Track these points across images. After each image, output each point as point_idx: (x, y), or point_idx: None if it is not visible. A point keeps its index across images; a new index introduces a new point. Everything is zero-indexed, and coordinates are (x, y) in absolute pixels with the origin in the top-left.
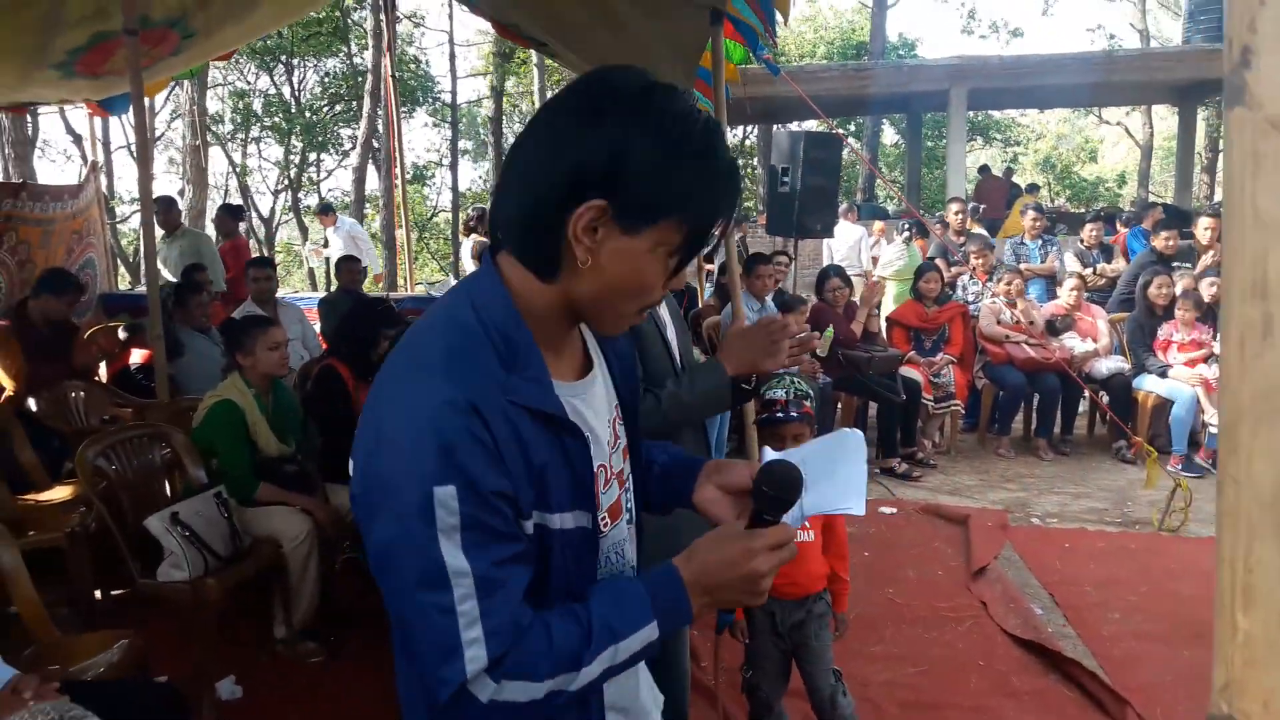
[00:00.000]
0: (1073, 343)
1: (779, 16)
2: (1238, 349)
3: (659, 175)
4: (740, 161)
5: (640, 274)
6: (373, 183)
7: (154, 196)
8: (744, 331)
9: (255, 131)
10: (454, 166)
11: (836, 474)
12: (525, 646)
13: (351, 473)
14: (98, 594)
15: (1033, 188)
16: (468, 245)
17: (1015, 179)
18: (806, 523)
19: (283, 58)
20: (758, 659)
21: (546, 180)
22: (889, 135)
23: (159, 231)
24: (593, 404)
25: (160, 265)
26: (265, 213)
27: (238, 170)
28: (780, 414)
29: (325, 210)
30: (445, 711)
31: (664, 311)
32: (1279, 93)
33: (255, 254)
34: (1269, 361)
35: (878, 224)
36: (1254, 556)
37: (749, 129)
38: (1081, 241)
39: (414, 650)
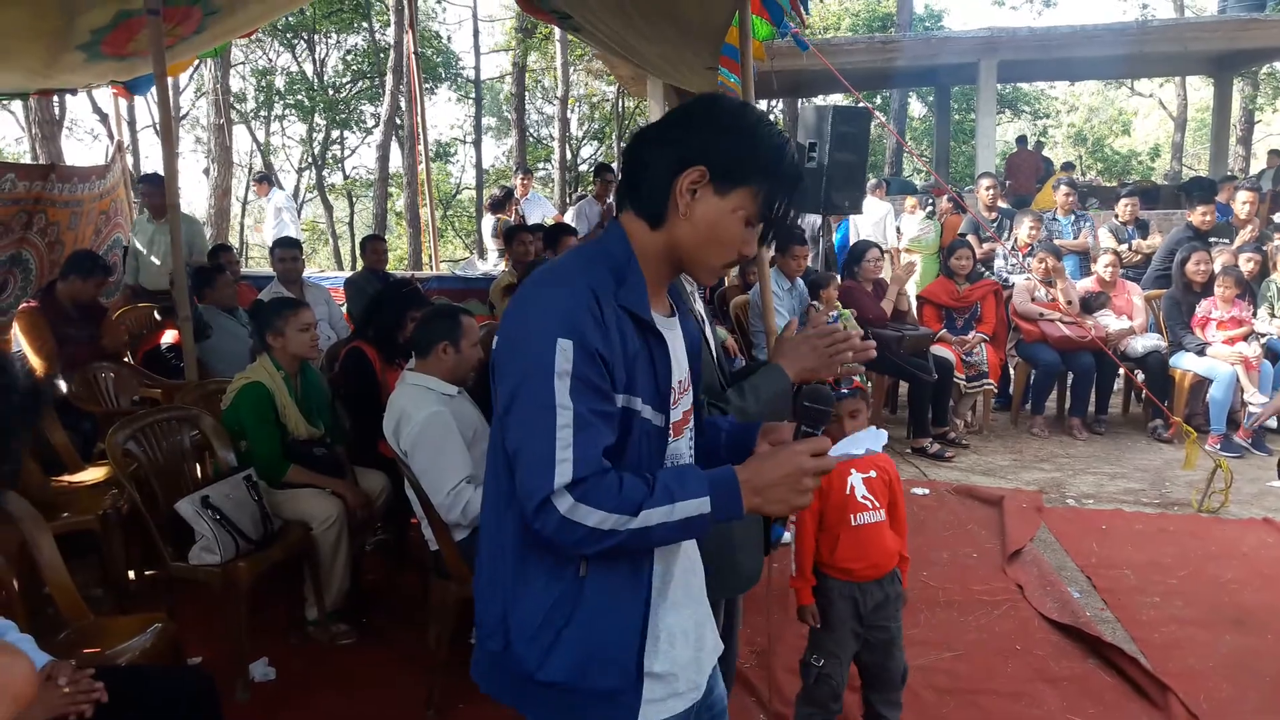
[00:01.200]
0: (1108, 320)
1: None
2: None
3: (741, 153)
4: None
5: (722, 228)
6: (396, 161)
7: (141, 175)
8: (807, 338)
9: (278, 109)
10: (478, 143)
11: (858, 438)
12: (601, 483)
13: (493, 351)
14: (130, 575)
15: (1068, 165)
16: (489, 223)
17: (1045, 153)
18: (876, 503)
19: (304, 34)
20: (832, 648)
21: (664, 157)
22: (915, 109)
23: (145, 215)
24: (673, 341)
25: (144, 249)
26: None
27: (262, 148)
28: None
29: (260, 180)
30: (533, 518)
31: (699, 305)
32: None
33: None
34: None
35: (910, 200)
36: None
37: (774, 103)
38: (1116, 217)
39: (520, 472)
